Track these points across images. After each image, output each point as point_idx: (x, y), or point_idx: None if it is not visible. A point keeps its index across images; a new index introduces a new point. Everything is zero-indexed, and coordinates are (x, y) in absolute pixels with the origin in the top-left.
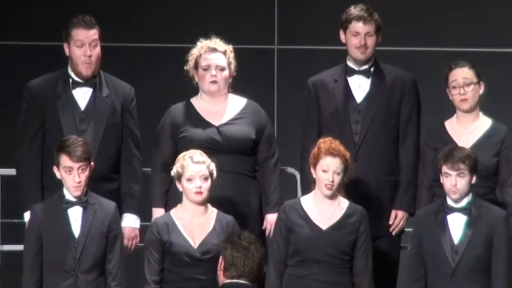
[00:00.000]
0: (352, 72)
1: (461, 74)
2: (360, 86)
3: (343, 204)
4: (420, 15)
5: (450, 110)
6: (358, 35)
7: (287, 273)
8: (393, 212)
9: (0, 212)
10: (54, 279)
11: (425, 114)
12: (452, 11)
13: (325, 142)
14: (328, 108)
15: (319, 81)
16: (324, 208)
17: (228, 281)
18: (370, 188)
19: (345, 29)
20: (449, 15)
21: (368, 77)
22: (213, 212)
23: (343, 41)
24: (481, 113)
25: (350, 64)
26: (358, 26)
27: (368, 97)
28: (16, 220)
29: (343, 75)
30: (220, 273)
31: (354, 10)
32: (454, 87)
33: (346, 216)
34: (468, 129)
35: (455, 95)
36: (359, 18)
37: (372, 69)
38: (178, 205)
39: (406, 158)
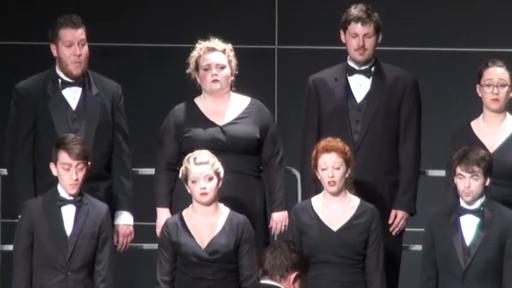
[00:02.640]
0: (353, 71)
1: (498, 74)
2: (360, 85)
3: (353, 203)
4: (420, 15)
5: (450, 110)
6: (357, 37)
7: None
8: (393, 212)
9: (0, 212)
10: (44, 275)
11: (426, 115)
12: (453, 10)
13: (321, 142)
14: (328, 107)
15: (320, 80)
16: (334, 208)
17: (260, 281)
18: (369, 187)
19: (345, 30)
20: (450, 15)
21: (368, 77)
22: (224, 211)
23: (343, 41)
24: (508, 113)
25: (351, 63)
26: (357, 28)
27: (368, 96)
28: (16, 220)
29: (343, 74)
30: None
31: (354, 11)
32: (488, 86)
33: (357, 215)
34: (495, 129)
35: (487, 93)
36: (357, 19)
37: (372, 68)
38: (190, 206)
39: (406, 158)
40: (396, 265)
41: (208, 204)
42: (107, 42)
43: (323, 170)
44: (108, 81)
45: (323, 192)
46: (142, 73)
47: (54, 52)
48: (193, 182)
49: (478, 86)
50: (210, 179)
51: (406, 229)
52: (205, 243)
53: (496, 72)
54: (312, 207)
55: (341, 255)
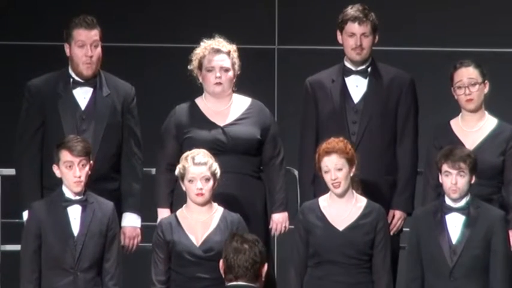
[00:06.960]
0: (350, 72)
1: (466, 74)
2: (357, 86)
3: (360, 203)
4: (420, 14)
5: (450, 110)
6: (354, 36)
7: (307, 274)
8: (391, 212)
9: (0, 212)
10: (53, 277)
11: (426, 115)
12: (453, 10)
13: (322, 144)
14: (326, 109)
15: (317, 82)
16: (340, 208)
17: (229, 284)
18: (367, 187)
19: (341, 30)
20: (450, 14)
21: (365, 77)
22: (218, 210)
23: (340, 41)
24: (486, 112)
25: (347, 64)
26: (354, 27)
27: (365, 97)
28: (16, 220)
29: (340, 75)
30: (224, 276)
31: (350, 11)
32: (459, 88)
33: (363, 215)
34: (474, 128)
35: (460, 95)
36: (354, 19)
37: (369, 69)
38: (184, 205)
39: (403, 158)
40: (393, 265)
41: (203, 204)
42: (106, 42)
43: (326, 172)
44: (122, 82)
45: (330, 192)
46: (142, 73)
47: (67, 51)
48: (190, 181)
49: (452, 89)
50: (207, 180)
51: (404, 229)
52: (200, 240)
53: (464, 73)
54: (319, 206)
55: (347, 255)
